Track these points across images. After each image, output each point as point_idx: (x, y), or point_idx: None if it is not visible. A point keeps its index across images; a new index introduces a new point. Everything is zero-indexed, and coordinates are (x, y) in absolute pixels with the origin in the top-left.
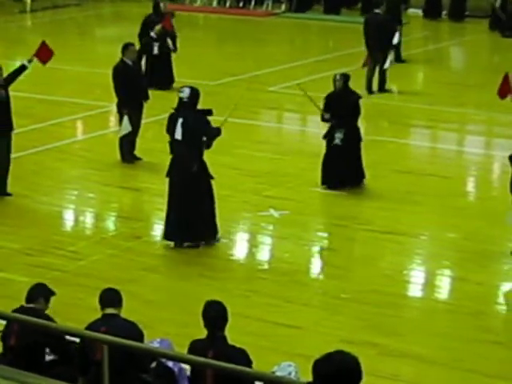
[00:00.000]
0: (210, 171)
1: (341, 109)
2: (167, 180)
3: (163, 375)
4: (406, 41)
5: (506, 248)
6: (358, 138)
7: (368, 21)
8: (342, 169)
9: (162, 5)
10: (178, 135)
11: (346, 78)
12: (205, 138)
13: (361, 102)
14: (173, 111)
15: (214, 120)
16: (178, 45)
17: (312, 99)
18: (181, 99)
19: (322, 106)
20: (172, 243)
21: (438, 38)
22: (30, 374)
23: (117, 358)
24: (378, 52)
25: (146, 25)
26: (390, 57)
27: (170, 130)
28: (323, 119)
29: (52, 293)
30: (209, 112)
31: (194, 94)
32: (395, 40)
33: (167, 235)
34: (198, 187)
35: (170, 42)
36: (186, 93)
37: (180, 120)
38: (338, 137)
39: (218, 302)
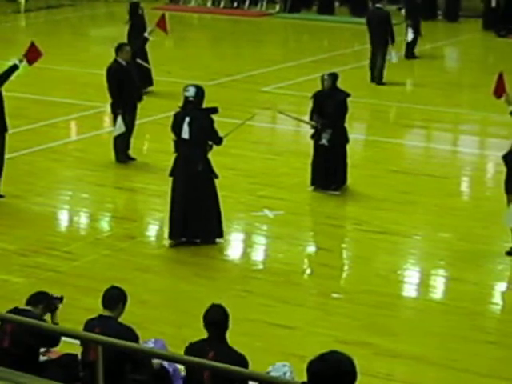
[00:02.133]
0: (215, 170)
1: (328, 108)
2: (171, 179)
3: (158, 375)
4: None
5: (501, 248)
6: (345, 140)
7: (370, 16)
8: (328, 170)
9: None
10: (186, 134)
11: (334, 77)
12: (210, 142)
13: (350, 100)
14: (178, 110)
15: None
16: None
17: (296, 117)
18: (186, 98)
19: (310, 104)
20: (170, 242)
21: (432, 38)
22: (24, 374)
23: (110, 359)
24: (381, 46)
25: (135, 29)
26: (393, 50)
27: (176, 128)
28: (314, 127)
29: (54, 307)
30: (214, 110)
31: (200, 92)
32: (410, 36)
33: (173, 235)
34: (203, 186)
35: None
36: (191, 92)
37: (187, 119)
38: (325, 137)
39: (219, 305)
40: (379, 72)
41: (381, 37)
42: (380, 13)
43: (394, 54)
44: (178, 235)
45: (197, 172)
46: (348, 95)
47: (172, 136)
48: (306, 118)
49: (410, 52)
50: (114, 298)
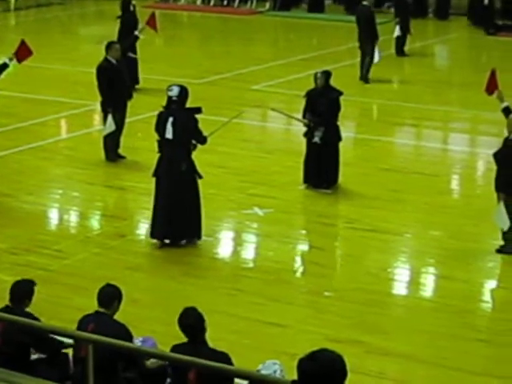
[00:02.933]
0: (199, 170)
1: (321, 106)
2: (154, 179)
3: (148, 374)
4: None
5: (491, 246)
6: (337, 138)
7: (358, 14)
8: (320, 168)
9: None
10: (169, 134)
11: (327, 75)
12: (194, 142)
13: (341, 98)
14: (162, 110)
15: (201, 119)
16: None
17: (290, 115)
18: (170, 98)
19: (303, 103)
20: (158, 242)
21: (422, 36)
22: (16, 373)
23: (102, 357)
24: (368, 43)
25: (126, 25)
26: (378, 49)
27: (160, 128)
28: (306, 125)
29: (33, 283)
30: (198, 110)
31: (183, 92)
32: (396, 33)
33: (154, 234)
34: (187, 186)
35: None
36: (175, 91)
37: (170, 119)
38: (318, 135)
39: (193, 308)
40: (365, 70)
41: (367, 34)
42: (366, 10)
43: (377, 53)
44: (160, 235)
45: (180, 172)
46: (341, 93)
47: (156, 136)
48: (298, 115)
49: (399, 49)
50: (109, 295)
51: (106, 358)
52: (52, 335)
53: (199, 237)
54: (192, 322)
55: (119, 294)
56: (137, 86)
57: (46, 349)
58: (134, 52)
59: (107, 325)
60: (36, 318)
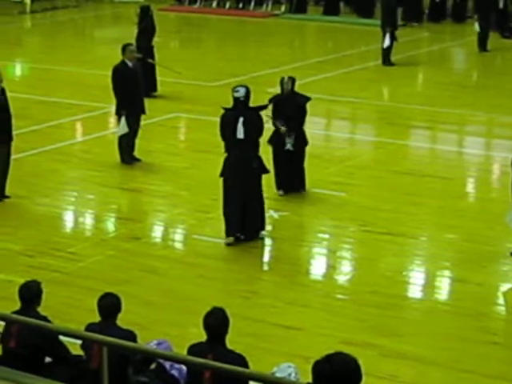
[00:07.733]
0: (266, 166)
1: (289, 111)
2: (222, 180)
3: (164, 378)
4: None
5: (505, 249)
6: (305, 143)
7: (381, 2)
8: (291, 173)
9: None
10: (240, 134)
11: (293, 80)
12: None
13: (308, 104)
14: (225, 111)
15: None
16: None
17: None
18: (237, 99)
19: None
20: (232, 239)
21: (438, 39)
22: (30, 375)
23: (112, 363)
24: (384, 30)
25: (144, 31)
26: (388, 37)
27: (229, 129)
28: (284, 132)
29: (40, 283)
30: (264, 107)
31: (249, 92)
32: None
33: (230, 232)
34: (257, 182)
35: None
36: (241, 92)
37: (241, 119)
38: (289, 141)
39: (220, 309)
40: (384, 55)
41: (384, 21)
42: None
43: (387, 39)
44: (236, 231)
45: (252, 169)
46: (308, 99)
47: (217, 137)
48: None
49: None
50: (107, 308)
51: (116, 364)
52: (61, 341)
53: (263, 227)
54: (216, 321)
55: (119, 303)
56: (155, 93)
57: (55, 354)
58: (152, 58)
59: (113, 333)
60: (49, 321)
